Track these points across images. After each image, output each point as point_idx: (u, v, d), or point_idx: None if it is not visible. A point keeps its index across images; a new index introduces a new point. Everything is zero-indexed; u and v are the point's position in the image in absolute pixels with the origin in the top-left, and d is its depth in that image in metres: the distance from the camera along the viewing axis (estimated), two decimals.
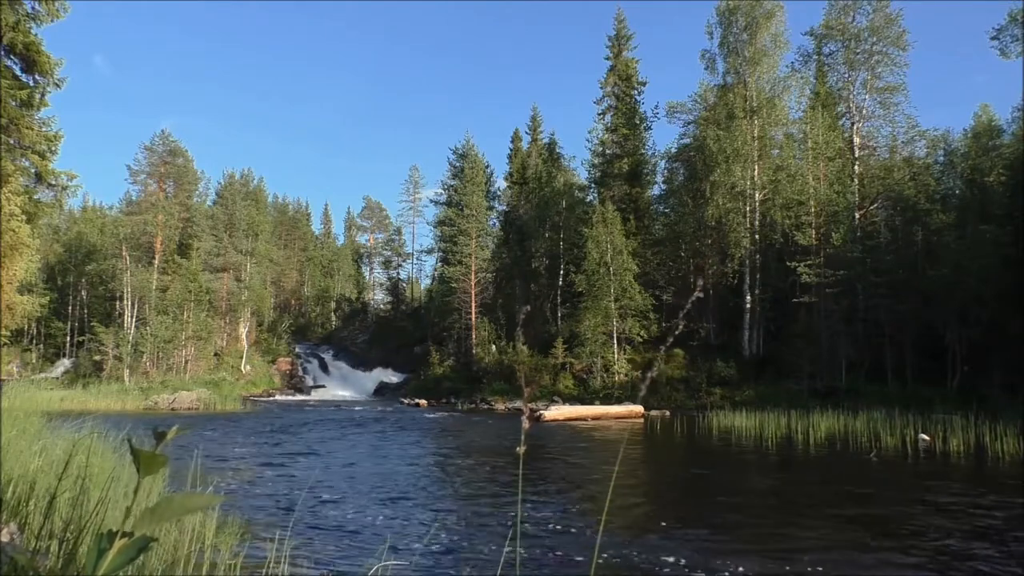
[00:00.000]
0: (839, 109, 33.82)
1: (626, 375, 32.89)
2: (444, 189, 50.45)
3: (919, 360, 25.76)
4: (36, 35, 16.72)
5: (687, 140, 39.97)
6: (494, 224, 48.78)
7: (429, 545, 6.47)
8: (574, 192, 42.67)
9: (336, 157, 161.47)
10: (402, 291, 65.61)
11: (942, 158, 32.57)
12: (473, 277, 44.50)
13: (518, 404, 32.39)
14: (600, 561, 5.94)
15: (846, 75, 33.67)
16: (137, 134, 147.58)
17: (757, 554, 6.34)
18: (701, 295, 34.03)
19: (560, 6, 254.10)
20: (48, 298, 42.36)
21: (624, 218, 35.48)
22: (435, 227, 51.86)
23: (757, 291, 32.51)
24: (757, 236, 32.86)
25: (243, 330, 48.52)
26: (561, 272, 40.25)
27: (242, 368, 46.12)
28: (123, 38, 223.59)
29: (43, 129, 17.59)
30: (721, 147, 32.43)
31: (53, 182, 18.39)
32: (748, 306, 32.26)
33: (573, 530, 7.33)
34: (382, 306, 67.03)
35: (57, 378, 38.24)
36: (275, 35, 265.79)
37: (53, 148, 17.90)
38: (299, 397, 43.40)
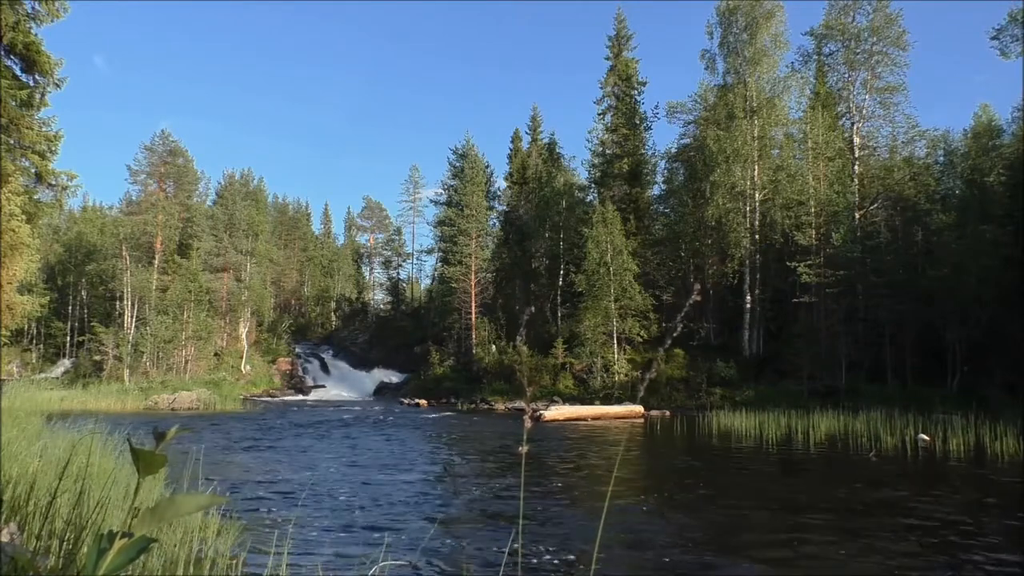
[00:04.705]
0: (839, 109, 33.78)
1: (626, 375, 32.86)
2: (444, 189, 50.53)
3: (919, 360, 25.75)
4: (36, 35, 16.70)
5: (687, 140, 40.01)
6: (494, 224, 48.77)
7: (429, 545, 6.47)
8: (574, 192, 42.64)
9: (336, 157, 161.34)
10: (402, 291, 65.60)
11: (942, 158, 32.57)
12: (473, 277, 44.50)
13: (518, 404, 32.37)
14: (600, 563, 5.94)
15: (846, 75, 33.67)
16: (137, 134, 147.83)
17: (758, 555, 6.34)
18: (698, 298, 34.07)
19: (560, 6, 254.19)
20: (48, 298, 42.29)
21: (624, 218, 35.44)
22: (435, 227, 51.94)
23: (757, 291, 32.52)
24: (757, 236, 32.86)
25: (243, 330, 48.51)
26: (561, 272, 40.25)
27: (242, 368, 46.11)
28: (123, 38, 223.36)
29: (43, 129, 17.57)
30: (721, 147, 32.42)
31: (53, 182, 18.37)
32: (748, 306, 32.26)
33: (574, 530, 7.32)
34: (382, 306, 67.02)
35: (57, 378, 38.21)
36: (275, 35, 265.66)
37: (53, 148, 17.87)
38: (299, 397, 43.37)
